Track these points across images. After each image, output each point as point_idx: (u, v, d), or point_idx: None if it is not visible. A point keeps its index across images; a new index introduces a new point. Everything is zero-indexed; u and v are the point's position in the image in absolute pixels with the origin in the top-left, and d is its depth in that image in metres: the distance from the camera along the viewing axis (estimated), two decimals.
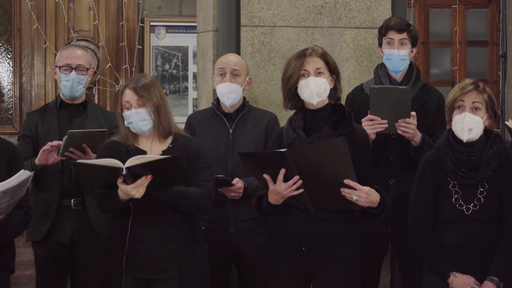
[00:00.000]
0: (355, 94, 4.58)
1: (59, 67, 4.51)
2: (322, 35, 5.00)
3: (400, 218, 4.08)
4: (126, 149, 3.87)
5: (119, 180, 3.65)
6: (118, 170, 3.64)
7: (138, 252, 3.79)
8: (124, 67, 6.64)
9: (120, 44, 6.68)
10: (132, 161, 3.63)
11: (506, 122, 4.70)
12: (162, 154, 3.82)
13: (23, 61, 6.68)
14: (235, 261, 4.48)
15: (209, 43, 5.08)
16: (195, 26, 5.39)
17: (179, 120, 4.21)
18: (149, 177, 3.65)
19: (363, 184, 3.62)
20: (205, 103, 5.04)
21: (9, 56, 6.71)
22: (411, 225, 3.92)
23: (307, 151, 3.61)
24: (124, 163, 3.64)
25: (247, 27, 4.96)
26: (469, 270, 3.78)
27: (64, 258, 4.48)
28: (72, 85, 4.48)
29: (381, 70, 4.57)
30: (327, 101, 3.83)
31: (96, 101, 6.41)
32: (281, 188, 3.64)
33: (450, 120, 3.89)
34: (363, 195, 3.62)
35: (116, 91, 6.58)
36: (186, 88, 6.93)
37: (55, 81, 4.99)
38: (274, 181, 3.64)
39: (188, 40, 6.88)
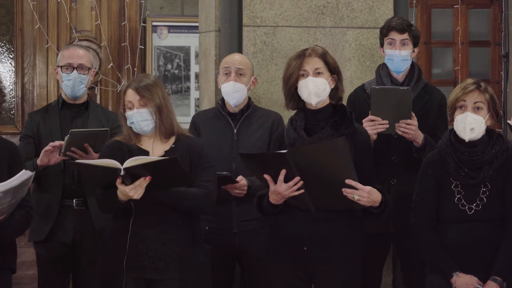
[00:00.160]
0: (356, 94, 4.57)
1: (61, 66, 4.51)
2: (324, 35, 4.99)
3: (402, 218, 4.07)
4: (129, 149, 3.86)
5: (118, 181, 3.64)
6: (116, 170, 3.63)
7: (139, 252, 3.78)
8: (126, 67, 6.64)
9: (122, 44, 6.68)
10: (130, 162, 3.62)
11: (508, 121, 4.69)
12: (164, 154, 3.82)
13: (25, 61, 6.69)
14: (239, 261, 4.47)
15: (211, 43, 5.08)
16: (197, 26, 5.39)
17: (181, 120, 4.19)
18: (148, 179, 3.64)
19: (364, 185, 3.61)
20: (207, 103, 5.03)
21: (11, 56, 6.71)
22: (413, 225, 3.91)
23: (308, 152, 3.60)
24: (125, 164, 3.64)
25: (249, 27, 4.95)
26: (472, 270, 3.78)
27: (66, 258, 4.48)
28: (73, 85, 4.48)
29: (382, 70, 4.56)
30: (328, 101, 3.83)
31: (98, 101, 6.41)
32: (282, 189, 3.63)
33: (452, 120, 3.88)
34: (365, 194, 3.61)
35: (118, 91, 6.58)
36: (188, 88, 6.92)
37: (57, 81, 4.98)
38: (275, 182, 3.65)
39: (190, 40, 6.88)
